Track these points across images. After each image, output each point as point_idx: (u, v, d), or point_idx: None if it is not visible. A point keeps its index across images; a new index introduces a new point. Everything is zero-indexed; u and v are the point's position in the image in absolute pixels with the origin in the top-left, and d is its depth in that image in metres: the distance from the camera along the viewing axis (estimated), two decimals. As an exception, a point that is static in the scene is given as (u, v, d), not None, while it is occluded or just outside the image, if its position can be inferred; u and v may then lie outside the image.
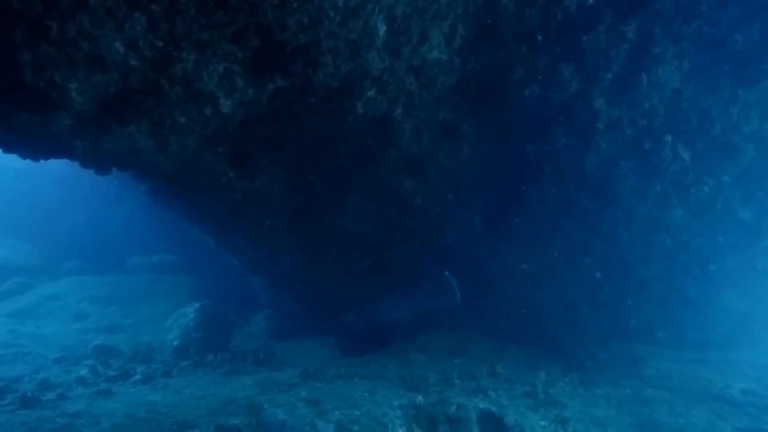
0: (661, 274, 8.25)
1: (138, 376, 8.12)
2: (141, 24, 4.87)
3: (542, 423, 5.30)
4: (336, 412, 4.49)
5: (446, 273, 8.74)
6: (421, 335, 9.34)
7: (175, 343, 9.57)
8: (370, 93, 6.72)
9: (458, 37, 6.75)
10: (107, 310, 11.69)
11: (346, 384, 6.86)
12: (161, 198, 9.52)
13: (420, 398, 5.37)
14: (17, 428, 4.83)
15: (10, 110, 4.73)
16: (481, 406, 5.01)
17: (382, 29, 6.09)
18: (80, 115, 5.42)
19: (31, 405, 6.10)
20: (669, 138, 7.12)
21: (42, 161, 6.63)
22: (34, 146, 5.70)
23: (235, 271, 11.56)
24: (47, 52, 4.50)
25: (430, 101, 7.26)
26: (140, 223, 14.21)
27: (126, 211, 14.59)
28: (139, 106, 5.79)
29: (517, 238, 8.85)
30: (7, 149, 5.59)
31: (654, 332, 8.58)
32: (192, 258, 13.47)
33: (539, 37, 6.76)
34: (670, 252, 8.08)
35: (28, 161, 6.63)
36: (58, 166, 12.52)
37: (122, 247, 14.21)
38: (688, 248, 8.15)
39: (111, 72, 5.16)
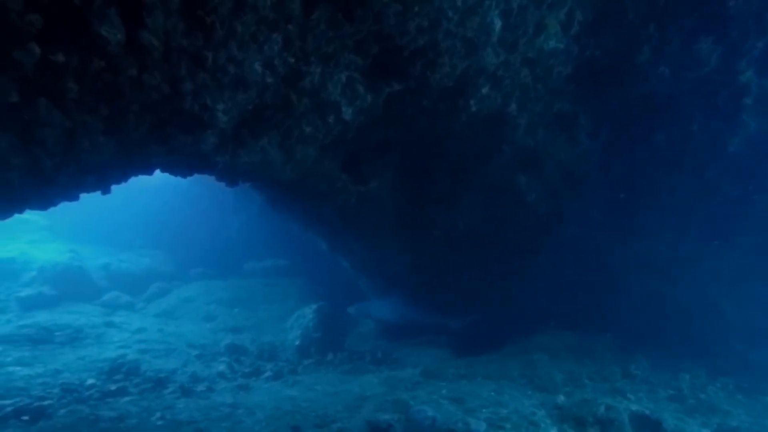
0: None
1: (269, 373, 8.73)
2: (277, 44, 5.25)
3: (704, 431, 4.83)
4: (483, 410, 4.47)
5: None
6: (537, 334, 9.05)
7: (297, 343, 10.16)
8: (485, 90, 6.64)
9: (576, 23, 6.43)
10: (231, 311, 12.77)
11: (470, 383, 6.83)
12: (279, 206, 10.18)
13: (561, 398, 5.16)
14: (194, 413, 5.48)
15: (173, 134, 5.32)
16: (633, 408, 4.70)
17: (498, 24, 6.00)
18: (223, 133, 5.96)
19: (188, 394, 6.85)
20: (842, 108, 6.17)
21: (167, 177, 7.36)
22: (186, 164, 6.37)
23: (341, 273, 12.01)
24: (203, 79, 5.02)
25: (545, 93, 7.00)
26: (253, 231, 15.36)
27: (241, 221, 15.85)
28: (271, 119, 6.25)
29: (641, 231, 8.23)
30: (165, 168, 6.29)
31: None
32: (301, 262, 14.25)
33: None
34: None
35: (160, 180, 7.45)
36: (183, 182, 13.93)
37: (237, 253, 15.44)
38: None
39: (250, 90, 5.63)
